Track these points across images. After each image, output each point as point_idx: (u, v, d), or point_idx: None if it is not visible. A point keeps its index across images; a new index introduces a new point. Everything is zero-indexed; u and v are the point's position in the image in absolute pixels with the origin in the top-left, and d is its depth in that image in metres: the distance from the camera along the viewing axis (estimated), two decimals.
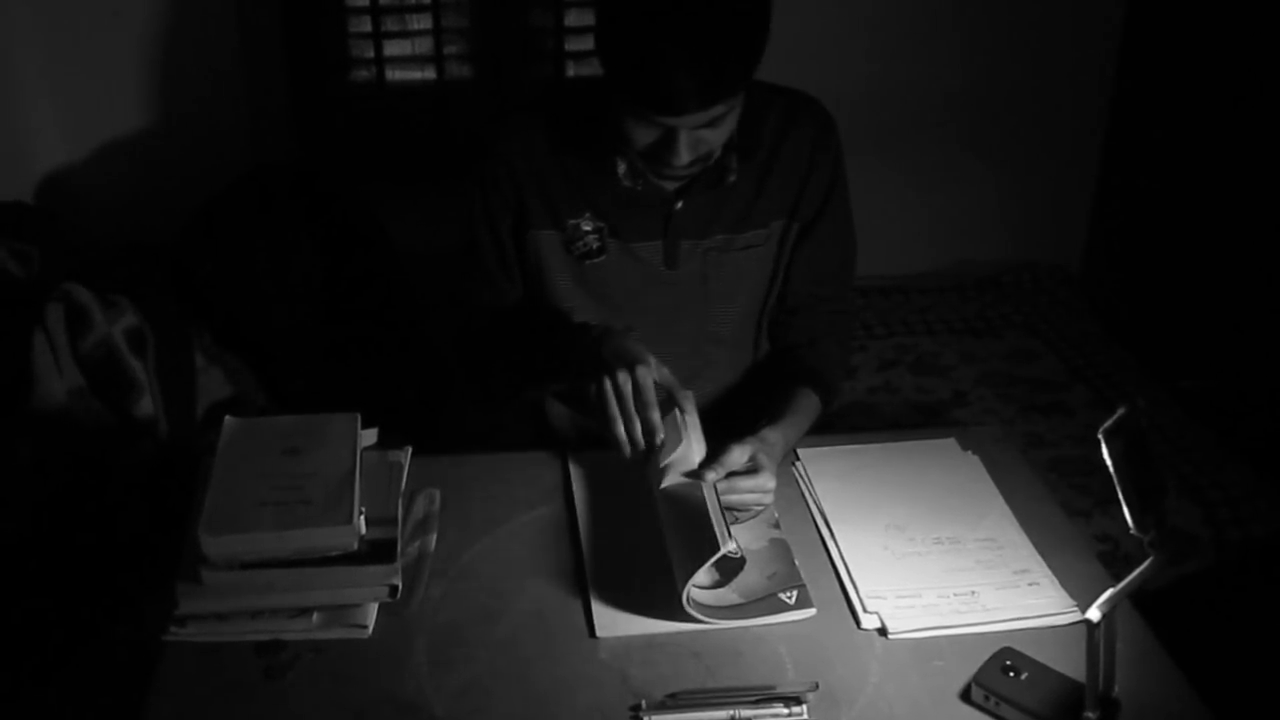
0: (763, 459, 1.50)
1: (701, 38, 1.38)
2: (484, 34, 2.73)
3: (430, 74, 2.74)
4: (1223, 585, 2.17)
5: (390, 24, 2.68)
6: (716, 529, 1.37)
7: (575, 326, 1.65)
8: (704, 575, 1.41)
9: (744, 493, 1.48)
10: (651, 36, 1.39)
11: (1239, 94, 2.61)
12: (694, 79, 1.39)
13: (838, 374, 1.77)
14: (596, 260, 1.68)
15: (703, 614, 1.36)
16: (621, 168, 1.61)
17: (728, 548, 1.35)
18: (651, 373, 1.49)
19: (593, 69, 2.73)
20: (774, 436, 1.56)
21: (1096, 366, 2.72)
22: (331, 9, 2.65)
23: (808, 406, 1.67)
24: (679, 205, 1.65)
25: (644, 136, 1.50)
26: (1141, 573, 1.17)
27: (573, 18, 2.72)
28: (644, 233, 1.67)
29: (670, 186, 1.63)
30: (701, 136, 1.49)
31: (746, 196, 1.67)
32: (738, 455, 1.48)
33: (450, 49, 2.73)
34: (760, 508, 1.52)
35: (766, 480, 1.49)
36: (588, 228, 1.66)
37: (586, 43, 2.74)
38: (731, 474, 1.47)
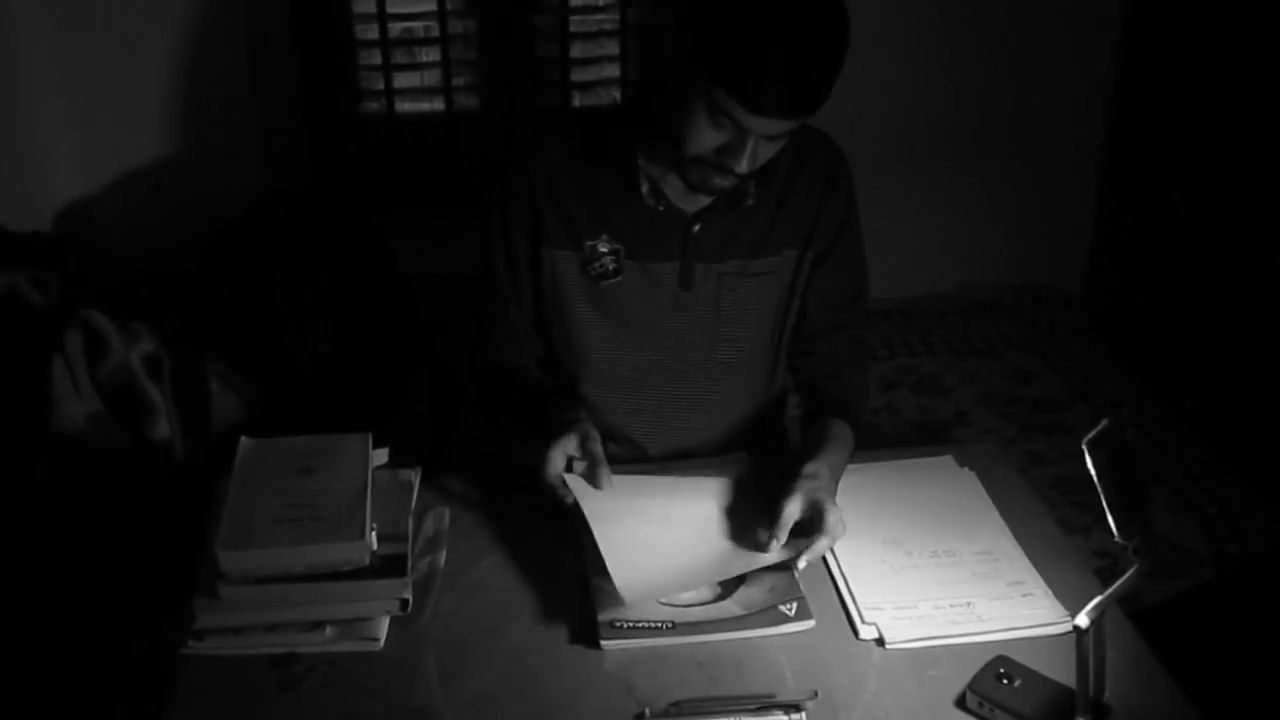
0: (820, 498, 1.48)
1: (806, 52, 1.45)
2: (492, 66, 2.77)
3: (439, 105, 2.78)
4: (1221, 601, 2.19)
5: (400, 56, 2.72)
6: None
7: (547, 409, 1.67)
8: (706, 591, 1.45)
9: (822, 546, 1.46)
10: (763, 39, 1.44)
11: (1238, 115, 2.64)
12: (790, 87, 1.45)
13: (862, 404, 1.81)
14: (613, 281, 1.71)
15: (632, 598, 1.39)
16: (645, 187, 1.66)
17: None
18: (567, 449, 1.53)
19: (597, 99, 2.79)
20: (820, 469, 1.55)
21: (1097, 386, 2.74)
22: (342, 42, 2.69)
23: (844, 436, 1.68)
24: (696, 228, 1.69)
25: (712, 139, 1.52)
26: (1127, 579, 1.21)
27: (579, 49, 2.76)
28: (661, 254, 1.70)
29: (694, 208, 1.67)
30: (761, 151, 1.53)
31: (761, 224, 1.71)
32: (791, 511, 1.47)
33: (459, 80, 2.77)
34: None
35: (832, 519, 1.46)
36: (605, 249, 1.69)
37: (592, 73, 2.79)
38: (797, 535, 1.47)
